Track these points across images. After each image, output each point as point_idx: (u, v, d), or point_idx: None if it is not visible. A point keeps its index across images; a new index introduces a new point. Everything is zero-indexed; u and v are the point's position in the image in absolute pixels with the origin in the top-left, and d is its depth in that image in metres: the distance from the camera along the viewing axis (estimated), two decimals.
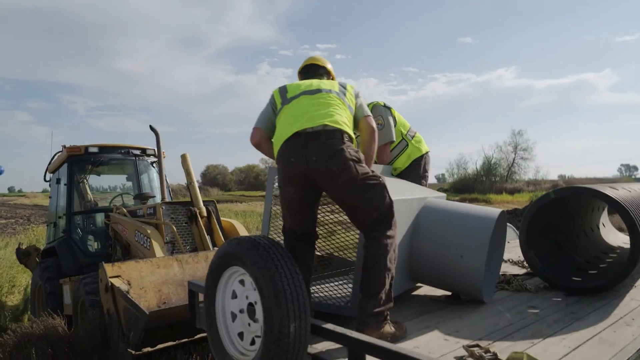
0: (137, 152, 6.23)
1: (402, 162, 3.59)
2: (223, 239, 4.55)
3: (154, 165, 6.46)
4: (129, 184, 6.87)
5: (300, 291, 1.72)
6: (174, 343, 3.34)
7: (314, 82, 2.39)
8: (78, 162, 5.94)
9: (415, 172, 3.56)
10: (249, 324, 1.91)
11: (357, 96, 2.42)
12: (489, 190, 39.35)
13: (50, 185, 6.66)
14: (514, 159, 46.05)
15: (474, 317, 2.32)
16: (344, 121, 2.16)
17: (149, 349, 3.21)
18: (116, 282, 3.46)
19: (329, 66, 2.75)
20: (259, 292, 1.72)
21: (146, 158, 6.34)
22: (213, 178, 69.98)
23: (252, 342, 1.88)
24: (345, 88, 2.39)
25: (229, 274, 1.97)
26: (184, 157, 4.90)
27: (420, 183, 3.50)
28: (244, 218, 17.26)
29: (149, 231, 4.32)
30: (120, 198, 6.26)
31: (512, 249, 4.55)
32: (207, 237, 4.44)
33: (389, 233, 2.03)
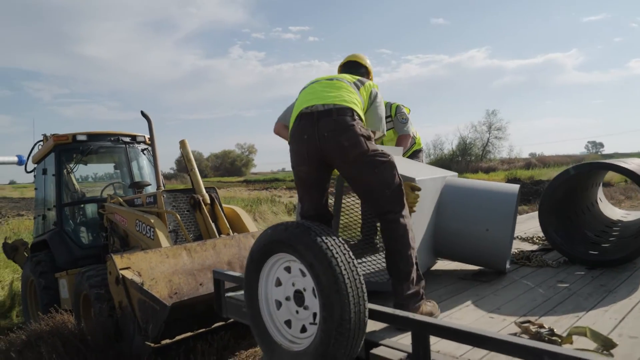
0: (127, 139, 6.01)
1: (406, 155, 4.13)
2: (228, 226, 4.47)
3: (144, 152, 6.26)
4: (115, 172, 6.65)
5: (356, 275, 1.68)
6: (193, 334, 3.28)
7: (333, 75, 2.46)
8: (66, 151, 5.69)
9: (415, 159, 4.15)
10: (297, 312, 1.86)
11: (373, 98, 2.39)
12: (465, 169, 39.92)
13: (35, 176, 6.37)
14: (488, 139, 46.85)
15: (509, 293, 2.34)
16: (354, 102, 2.20)
17: (168, 340, 3.14)
18: (127, 274, 3.35)
19: (368, 63, 2.86)
20: (315, 279, 1.67)
21: (136, 145, 6.14)
22: None
23: (303, 330, 1.84)
24: (362, 84, 2.40)
25: (273, 262, 1.91)
26: (182, 143, 4.74)
27: None
28: (228, 204, 17.04)
29: (152, 220, 4.19)
30: (111, 187, 6.05)
31: (517, 226, 4.63)
32: (212, 224, 4.34)
33: (404, 212, 2.05)
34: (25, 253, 6.22)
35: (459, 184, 2.82)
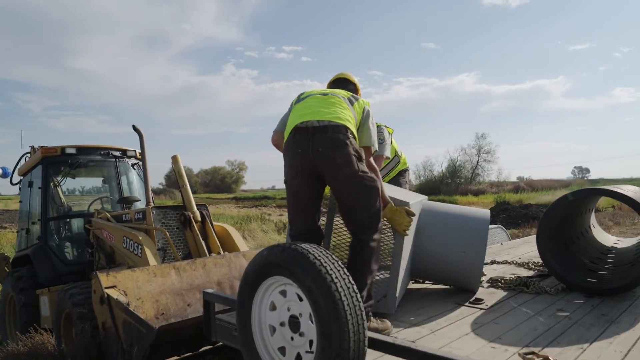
0: (117, 153, 5.91)
1: (392, 174, 4.29)
2: (218, 244, 4.36)
3: (134, 167, 6.16)
4: (103, 186, 6.52)
5: (356, 302, 1.60)
6: (178, 358, 3.14)
7: (327, 90, 2.51)
8: (53, 163, 5.57)
9: (401, 179, 4.31)
10: (292, 338, 1.77)
11: (365, 114, 2.43)
12: (454, 191, 40.24)
13: (20, 188, 6.22)
14: (477, 161, 47.41)
15: (509, 322, 2.27)
16: (347, 119, 2.25)
17: None
18: (113, 293, 3.22)
19: (357, 81, 2.89)
20: (313, 305, 1.59)
21: (127, 160, 6.03)
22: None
23: (298, 358, 1.75)
24: (356, 100, 2.46)
25: (268, 284, 1.82)
26: (175, 159, 4.66)
27: (404, 187, 4.23)
28: (217, 221, 16.84)
29: (140, 237, 4.06)
30: (99, 202, 5.91)
31: (510, 250, 4.60)
32: (202, 243, 4.23)
33: (375, 237, 2.11)
34: (6, 268, 6.01)
35: (435, 208, 2.97)
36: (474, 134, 60.37)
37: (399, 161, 4.33)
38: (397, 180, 4.31)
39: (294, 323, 1.76)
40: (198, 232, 4.30)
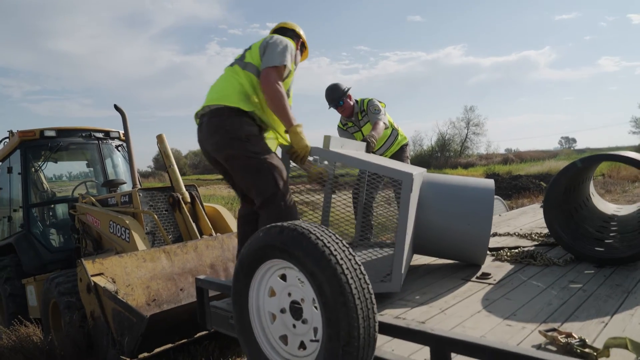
0: (100, 134, 5.66)
1: (394, 149, 4.24)
2: (210, 226, 4.19)
3: (119, 149, 5.91)
4: (87, 170, 6.28)
5: (364, 284, 1.45)
6: (173, 345, 3.01)
7: (242, 52, 2.42)
8: (32, 147, 5.31)
9: (403, 154, 4.28)
10: (294, 326, 1.63)
11: (265, 47, 2.30)
12: (444, 165, 40.30)
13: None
14: (466, 135, 47.34)
15: (521, 297, 2.15)
16: (234, 95, 2.18)
17: (146, 354, 2.87)
18: (100, 280, 3.06)
19: (298, 28, 2.66)
20: (317, 290, 1.44)
21: (110, 141, 5.78)
22: None
23: (302, 346, 1.61)
24: (271, 39, 2.34)
25: (266, 269, 1.67)
26: (160, 138, 4.44)
27: (406, 162, 4.22)
28: (208, 202, 16.63)
29: (127, 221, 3.88)
30: (83, 186, 5.68)
31: (510, 222, 4.50)
32: (193, 225, 4.06)
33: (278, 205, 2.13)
34: None
35: (437, 179, 2.80)
36: (463, 107, 60.11)
37: (398, 134, 4.22)
38: (400, 155, 4.22)
39: (295, 309, 1.61)
40: (188, 213, 4.13)
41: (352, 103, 4.10)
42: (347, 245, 1.52)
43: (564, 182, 2.88)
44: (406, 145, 4.32)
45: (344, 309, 1.38)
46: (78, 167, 6.72)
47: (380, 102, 4.10)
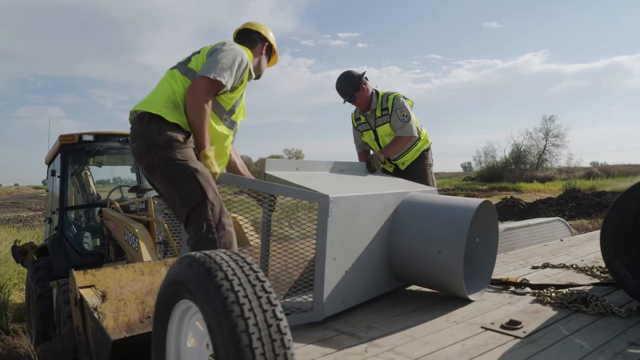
0: None
1: (412, 155, 3.57)
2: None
3: None
4: (132, 175, 6.34)
5: (282, 350, 1.03)
6: None
7: (188, 56, 2.22)
8: (72, 152, 5.41)
9: (424, 162, 3.60)
10: None
11: (212, 53, 2.09)
12: (518, 178, 37.84)
13: (47, 177, 6.18)
14: (545, 146, 44.17)
15: (551, 356, 1.59)
16: (161, 102, 1.97)
17: None
18: (87, 293, 2.86)
19: (264, 29, 2.40)
20: (214, 350, 1.04)
21: None
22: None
23: None
24: (222, 45, 2.15)
25: (181, 309, 1.30)
26: None
27: (429, 172, 3.60)
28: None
29: (136, 230, 3.72)
30: (118, 191, 5.71)
31: (571, 249, 3.77)
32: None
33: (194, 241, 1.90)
34: (34, 257, 6.01)
35: (417, 200, 2.50)
36: (541, 117, 56.14)
37: (419, 138, 3.55)
38: (420, 164, 3.57)
39: None
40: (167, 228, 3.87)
41: (368, 94, 3.43)
42: (269, 289, 1.10)
43: (635, 206, 2.23)
44: (427, 150, 3.63)
45: None
46: (123, 171, 6.84)
47: (406, 98, 3.46)
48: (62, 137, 5.35)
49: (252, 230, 4.35)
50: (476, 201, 2.38)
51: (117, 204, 4.64)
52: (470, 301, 2.32)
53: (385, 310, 2.24)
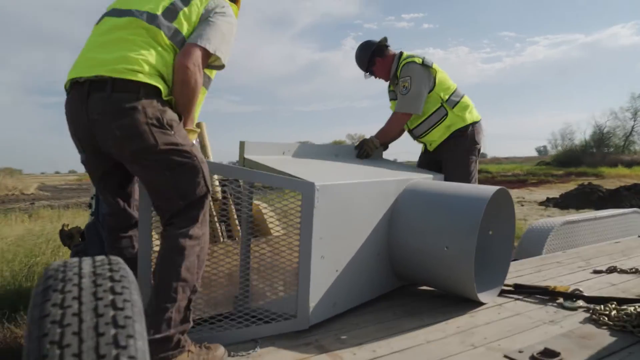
0: None
1: (439, 134, 2.87)
2: (239, 228, 3.66)
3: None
4: None
5: None
6: None
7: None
8: None
9: (458, 145, 2.81)
10: None
11: (208, 17, 1.68)
12: (600, 162, 34.68)
13: None
14: (632, 127, 40.08)
15: None
16: (146, 69, 1.56)
17: None
18: None
19: None
20: None
21: None
22: None
23: None
24: (194, 5, 1.69)
25: None
26: (199, 126, 4.05)
27: (465, 158, 2.82)
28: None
29: None
30: None
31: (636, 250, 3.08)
32: (219, 226, 3.57)
33: (192, 232, 1.56)
34: (80, 239, 6.19)
35: (423, 188, 2.22)
36: (629, 94, 50.87)
37: (447, 113, 2.82)
38: (454, 149, 2.82)
39: None
40: (216, 213, 3.64)
41: (386, 63, 2.97)
42: (123, 322, 0.76)
43: None
44: (463, 130, 2.80)
45: None
46: None
47: (418, 59, 2.82)
48: None
49: (276, 220, 4.07)
50: (490, 189, 2.07)
51: None
52: (492, 313, 1.88)
53: (383, 321, 1.88)
